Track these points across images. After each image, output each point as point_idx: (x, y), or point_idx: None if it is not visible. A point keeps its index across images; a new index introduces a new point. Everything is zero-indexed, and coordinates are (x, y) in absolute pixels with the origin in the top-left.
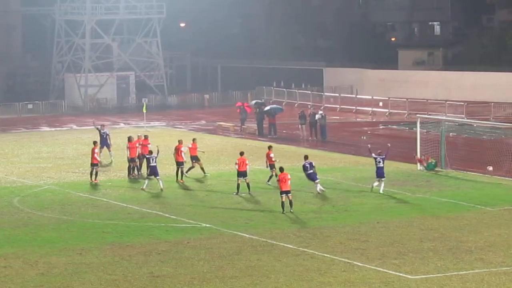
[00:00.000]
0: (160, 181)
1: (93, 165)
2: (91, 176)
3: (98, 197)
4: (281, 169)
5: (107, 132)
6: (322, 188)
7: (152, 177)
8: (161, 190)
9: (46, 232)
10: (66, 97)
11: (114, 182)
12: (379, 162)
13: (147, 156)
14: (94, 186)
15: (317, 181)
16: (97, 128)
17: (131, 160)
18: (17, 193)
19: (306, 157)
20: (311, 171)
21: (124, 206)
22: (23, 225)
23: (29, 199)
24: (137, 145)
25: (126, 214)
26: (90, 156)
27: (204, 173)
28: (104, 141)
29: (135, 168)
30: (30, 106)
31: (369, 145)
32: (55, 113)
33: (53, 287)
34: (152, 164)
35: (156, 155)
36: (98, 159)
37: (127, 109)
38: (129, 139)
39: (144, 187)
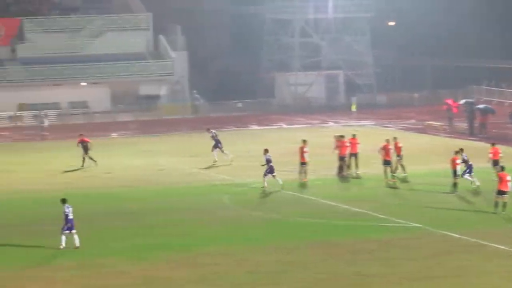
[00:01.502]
0: (279, 179)
1: (302, 163)
2: (300, 175)
3: (307, 195)
4: (502, 168)
5: (215, 134)
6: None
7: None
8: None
9: (255, 230)
10: (276, 95)
11: (323, 181)
12: None
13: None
14: (303, 185)
15: None
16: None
17: (341, 158)
18: (227, 191)
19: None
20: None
21: (333, 204)
22: (232, 222)
23: (238, 197)
24: (347, 144)
25: (335, 212)
26: (299, 154)
27: (404, 172)
28: (217, 143)
29: (346, 166)
30: (240, 104)
31: None
32: (264, 112)
33: (262, 285)
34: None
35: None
36: (307, 158)
37: (336, 107)
38: (340, 137)
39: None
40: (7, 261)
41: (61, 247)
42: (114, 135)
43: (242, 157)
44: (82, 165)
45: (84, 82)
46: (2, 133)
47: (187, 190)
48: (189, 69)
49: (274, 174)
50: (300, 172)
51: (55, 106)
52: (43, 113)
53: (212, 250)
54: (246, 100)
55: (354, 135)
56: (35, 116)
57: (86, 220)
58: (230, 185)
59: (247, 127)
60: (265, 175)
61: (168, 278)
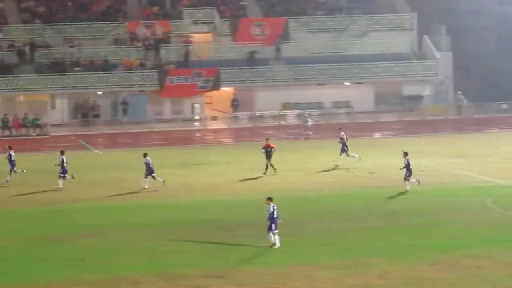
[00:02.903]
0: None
1: None
2: None
3: None
4: None
5: (344, 137)
6: None
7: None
8: None
9: None
10: None
11: None
12: None
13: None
14: None
15: None
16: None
17: None
18: (491, 193)
19: None
20: None
21: None
22: (496, 225)
23: (503, 199)
24: None
25: None
26: None
27: None
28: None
29: None
30: (504, 106)
31: None
32: None
33: None
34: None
35: None
36: None
37: None
38: None
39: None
40: (268, 257)
41: (276, 246)
42: (377, 135)
43: (508, 158)
44: (265, 172)
45: (348, 82)
46: (267, 132)
47: (449, 191)
48: (453, 69)
49: (409, 178)
50: None
51: (318, 105)
52: (307, 112)
53: (475, 252)
54: (511, 102)
55: None
56: (298, 116)
57: (346, 219)
58: (493, 187)
59: (511, 128)
60: (405, 179)
61: (429, 280)
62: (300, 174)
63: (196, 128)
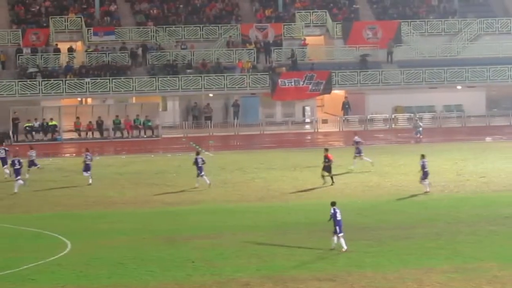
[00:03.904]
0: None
1: None
2: None
3: None
4: None
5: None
6: None
7: None
8: None
9: None
10: None
11: None
12: None
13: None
14: None
15: None
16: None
17: None
18: None
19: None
20: None
21: None
22: None
23: None
24: None
25: None
26: None
27: None
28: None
29: None
30: None
31: None
32: None
33: None
34: None
35: None
36: None
37: None
38: None
39: None
40: (377, 260)
41: (343, 249)
42: (488, 139)
43: None
44: (324, 183)
45: (460, 85)
46: (377, 135)
47: None
48: None
49: (426, 180)
50: None
51: (429, 109)
52: (418, 116)
53: None
54: None
55: None
56: (409, 119)
57: (456, 223)
58: None
59: None
60: (421, 180)
61: None
62: (410, 177)
63: (307, 131)
